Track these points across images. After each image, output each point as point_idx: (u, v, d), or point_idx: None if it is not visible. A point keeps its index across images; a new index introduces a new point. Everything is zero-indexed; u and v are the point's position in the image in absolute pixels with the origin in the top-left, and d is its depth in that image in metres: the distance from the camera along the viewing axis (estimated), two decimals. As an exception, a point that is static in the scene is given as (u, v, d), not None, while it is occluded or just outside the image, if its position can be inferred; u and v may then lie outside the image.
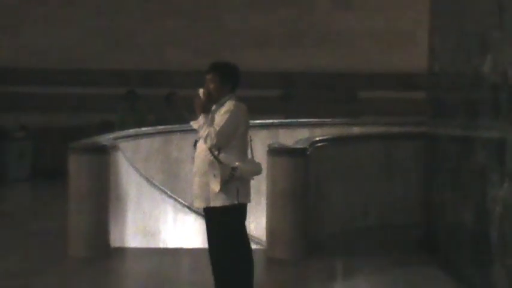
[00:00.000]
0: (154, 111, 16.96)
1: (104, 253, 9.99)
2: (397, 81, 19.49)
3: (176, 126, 13.30)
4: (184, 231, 11.60)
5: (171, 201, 11.78)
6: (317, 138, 11.32)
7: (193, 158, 7.41)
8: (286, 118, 17.56)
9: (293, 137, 11.85)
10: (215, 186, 7.08)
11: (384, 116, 17.57)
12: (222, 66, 7.45)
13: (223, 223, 7.23)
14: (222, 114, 7.19)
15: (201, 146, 7.25)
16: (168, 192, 11.86)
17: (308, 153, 10.19)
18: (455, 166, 9.26)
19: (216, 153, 7.11)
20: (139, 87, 18.50)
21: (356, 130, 14.02)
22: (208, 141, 7.10)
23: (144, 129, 13.44)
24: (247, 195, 7.29)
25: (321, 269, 9.46)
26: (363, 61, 20.12)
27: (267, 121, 15.08)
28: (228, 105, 7.23)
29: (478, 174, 7.98)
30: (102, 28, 20.71)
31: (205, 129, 7.13)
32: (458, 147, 9.19)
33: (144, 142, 12.64)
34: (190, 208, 11.55)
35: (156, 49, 20.69)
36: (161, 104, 17.08)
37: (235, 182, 7.12)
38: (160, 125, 14.12)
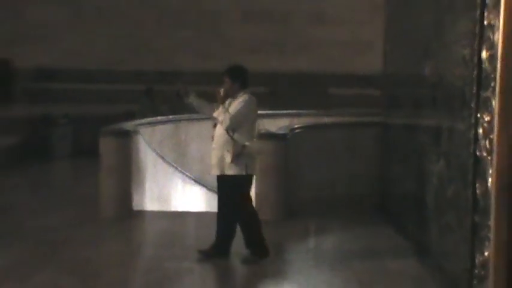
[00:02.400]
0: (168, 103, 16.98)
1: (127, 215, 10.04)
2: (359, 80, 19.48)
3: (184, 116, 13.29)
4: (190, 198, 11.64)
5: (180, 174, 11.80)
6: (295, 126, 11.33)
7: (212, 136, 7.70)
8: (271, 110, 17.54)
9: (276, 125, 11.83)
10: (228, 158, 7.39)
11: (349, 108, 17.56)
12: (231, 69, 7.79)
13: (234, 188, 7.50)
14: (237, 103, 7.51)
15: (220, 128, 7.55)
16: (178, 168, 11.88)
17: (288, 137, 10.25)
18: (403, 147, 9.31)
19: (231, 133, 7.39)
20: (155, 84, 18.51)
21: (326, 119, 13.96)
22: (224, 124, 7.43)
23: (159, 118, 13.44)
24: (254, 168, 7.63)
25: (298, 228, 9.54)
26: (332, 64, 20.12)
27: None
28: (242, 97, 7.57)
29: (420, 153, 8.03)
30: (126, 37, 20.70)
31: (222, 116, 7.46)
32: (404, 133, 9.23)
33: (159, 128, 12.64)
34: (196, 180, 11.59)
35: (169, 54, 20.67)
36: (173, 98, 17.10)
37: (245, 157, 7.44)
38: (172, 114, 14.13)
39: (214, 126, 7.72)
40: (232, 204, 7.54)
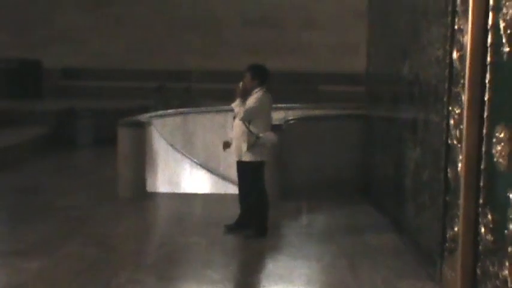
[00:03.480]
0: (177, 98, 16.96)
1: (142, 195, 10.04)
2: (345, 78, 19.42)
3: (191, 109, 13.28)
4: (197, 181, 11.65)
5: (188, 160, 11.82)
6: (289, 118, 11.34)
7: (232, 127, 7.78)
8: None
9: (273, 117, 11.81)
10: (244, 147, 7.50)
11: (336, 103, 17.51)
12: (253, 66, 7.82)
13: (250, 172, 7.62)
14: (252, 99, 7.54)
15: (237, 119, 7.60)
16: (186, 154, 11.89)
17: (283, 128, 10.24)
18: (384, 137, 9.32)
19: (247, 124, 7.47)
20: (166, 82, 18.47)
21: (316, 112, 13.93)
22: (238, 116, 7.52)
23: (169, 111, 13.41)
24: (267, 155, 7.71)
25: (291, 208, 9.55)
26: (321, 65, 20.06)
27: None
28: (258, 94, 7.59)
29: (398, 142, 8.04)
30: (140, 40, 20.66)
31: (238, 108, 7.53)
32: (385, 124, 9.24)
33: (169, 120, 12.63)
34: (201, 165, 11.59)
35: (178, 55, 20.63)
36: (181, 94, 17.08)
37: (259, 146, 7.53)
38: (181, 108, 14.10)
39: (234, 118, 7.76)
40: (250, 184, 7.68)
